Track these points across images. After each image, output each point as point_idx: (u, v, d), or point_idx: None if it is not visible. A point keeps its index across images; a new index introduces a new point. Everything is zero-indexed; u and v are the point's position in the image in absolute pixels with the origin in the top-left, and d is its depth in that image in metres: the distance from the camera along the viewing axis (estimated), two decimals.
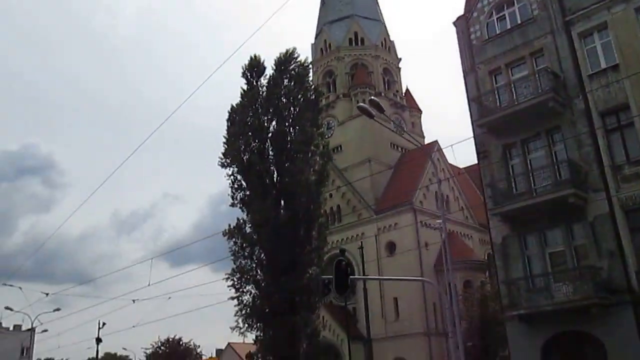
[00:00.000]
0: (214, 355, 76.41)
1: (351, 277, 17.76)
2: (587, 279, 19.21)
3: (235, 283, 31.58)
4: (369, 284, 41.73)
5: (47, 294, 39.62)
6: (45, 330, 52.51)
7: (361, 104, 18.88)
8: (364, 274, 36.27)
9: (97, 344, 49.72)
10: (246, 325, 31.32)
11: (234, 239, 32.25)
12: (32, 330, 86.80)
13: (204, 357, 66.35)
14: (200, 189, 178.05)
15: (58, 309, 46.73)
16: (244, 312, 31.09)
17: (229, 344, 69.75)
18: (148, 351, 64.01)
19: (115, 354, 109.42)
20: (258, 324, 30.59)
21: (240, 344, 69.44)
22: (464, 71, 24.86)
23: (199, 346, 65.93)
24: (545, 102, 20.69)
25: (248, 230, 32.03)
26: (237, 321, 31.78)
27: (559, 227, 20.81)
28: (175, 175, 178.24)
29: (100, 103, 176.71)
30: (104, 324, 49.91)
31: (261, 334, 30.83)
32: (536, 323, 20.15)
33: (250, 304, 31.03)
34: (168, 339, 64.08)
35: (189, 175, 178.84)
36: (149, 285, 28.77)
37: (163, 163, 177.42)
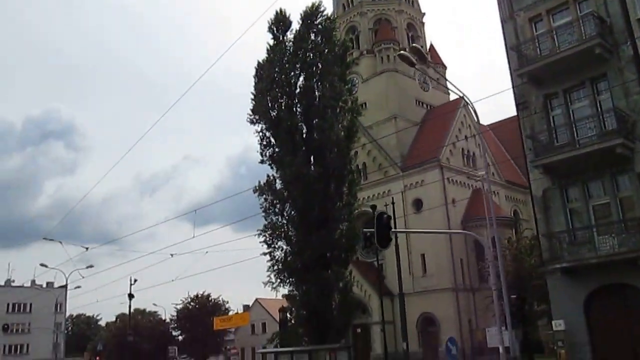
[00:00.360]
0: (241, 310, 77.66)
1: (393, 230, 17.48)
2: (633, 231, 18.73)
3: (267, 239, 31.58)
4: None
5: (87, 248, 40.30)
6: (79, 287, 53.70)
7: (402, 51, 18.25)
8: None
9: (130, 299, 50.60)
10: (278, 280, 31.39)
11: (264, 196, 32.13)
12: (65, 287, 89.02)
13: (231, 312, 67.30)
14: (220, 151, 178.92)
15: (91, 266, 47.49)
16: (275, 267, 31.14)
17: (256, 299, 70.67)
18: (178, 307, 65.19)
19: (144, 309, 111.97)
20: (290, 279, 30.65)
21: (268, 299, 70.44)
22: (501, 19, 23.98)
23: (227, 302, 66.99)
24: (591, 49, 19.86)
25: (278, 186, 31.85)
26: (269, 276, 31.81)
27: (603, 179, 20.26)
28: (195, 138, 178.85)
29: (122, 67, 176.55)
30: (135, 280, 50.71)
31: (293, 289, 30.94)
32: (579, 276, 19.82)
33: (282, 259, 31.04)
34: (197, 295, 65.11)
35: (209, 138, 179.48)
36: (193, 237, 29.32)
37: (184, 126, 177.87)
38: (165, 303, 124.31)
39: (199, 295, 65.17)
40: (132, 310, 52.26)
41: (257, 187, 32.24)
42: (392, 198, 44.01)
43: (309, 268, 29.66)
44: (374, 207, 32.75)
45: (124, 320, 60.56)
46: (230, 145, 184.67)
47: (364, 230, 19.30)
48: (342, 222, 30.79)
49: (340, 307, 29.72)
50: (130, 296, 50.99)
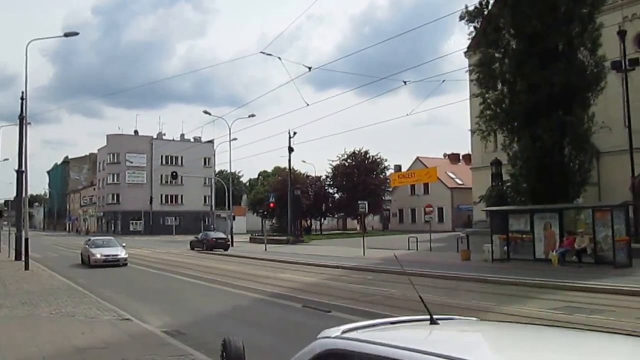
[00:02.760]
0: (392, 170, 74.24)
1: None
2: None
3: (481, 77, 25.95)
4: None
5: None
6: (235, 139, 51.44)
7: None
8: None
9: (290, 152, 47.74)
10: (489, 127, 26.21)
11: (474, 23, 26.01)
12: (211, 142, 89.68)
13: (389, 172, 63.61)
14: (343, 9, 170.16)
15: (253, 115, 44.49)
16: (488, 112, 25.67)
17: (417, 157, 66.55)
18: (333, 163, 62.32)
19: (284, 168, 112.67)
20: (509, 126, 25.12)
21: (430, 158, 66.26)
22: None
23: (386, 160, 63.06)
24: None
25: (493, 9, 25.44)
26: (478, 123, 26.94)
27: None
28: None
29: None
30: (294, 133, 47.41)
31: (511, 138, 25.52)
32: None
33: (497, 102, 25.42)
34: (354, 152, 61.63)
35: None
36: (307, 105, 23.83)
37: None
38: (315, 162, 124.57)
39: (356, 152, 61.49)
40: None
41: (465, 13, 26.03)
42: None
43: (532, 112, 23.78)
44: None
45: (282, 175, 58.63)
46: (353, 3, 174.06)
47: None
48: (581, 49, 24.13)
49: (579, 161, 24.01)
50: (290, 149, 48.10)
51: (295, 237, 43.98)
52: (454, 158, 70.33)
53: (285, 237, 44.03)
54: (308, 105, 29.02)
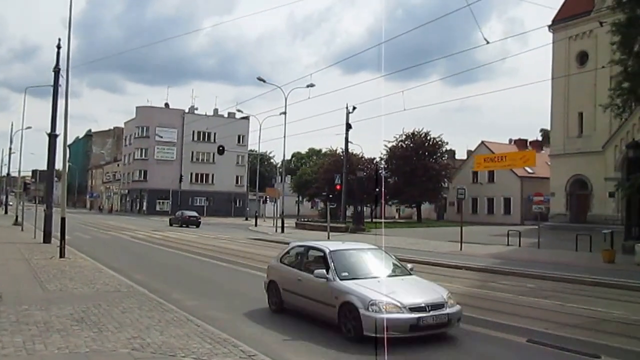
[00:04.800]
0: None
1: None
2: None
3: (622, 40, 20.94)
4: None
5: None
6: (284, 113, 45.76)
7: None
8: None
9: (347, 129, 42.37)
10: (627, 103, 21.46)
11: None
12: (247, 118, 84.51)
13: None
14: None
15: (312, 85, 38.68)
16: (624, 86, 20.82)
17: (482, 142, 60.78)
18: (389, 144, 56.48)
19: (320, 150, 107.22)
20: None
21: (495, 143, 60.61)
22: None
23: (447, 142, 57.15)
24: None
25: None
26: (611, 96, 23.34)
27: None
28: None
29: None
30: (354, 107, 41.96)
31: None
32: None
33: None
34: (413, 132, 55.77)
35: None
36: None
37: None
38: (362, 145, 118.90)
39: (416, 133, 55.55)
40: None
41: None
42: None
43: None
44: None
45: (335, 156, 53.23)
46: None
47: None
48: None
49: None
50: (348, 126, 42.64)
51: (356, 225, 38.60)
52: (521, 144, 64.19)
53: (343, 225, 38.68)
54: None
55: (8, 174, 66.46)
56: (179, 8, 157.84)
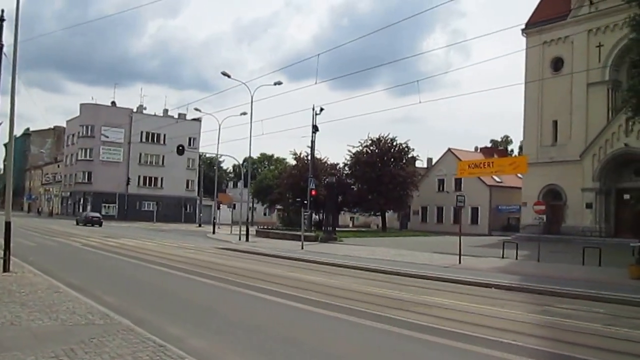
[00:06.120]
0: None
1: None
2: None
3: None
4: None
5: None
6: (244, 113, 42.56)
7: None
8: None
9: (314, 132, 39.81)
10: None
11: None
12: (198, 120, 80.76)
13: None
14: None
15: (279, 83, 36.19)
16: None
17: (449, 149, 59.10)
18: (353, 149, 53.84)
19: (272, 155, 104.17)
20: None
21: (463, 150, 59.12)
22: None
23: (413, 149, 54.94)
24: None
25: None
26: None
27: None
28: None
29: None
30: (321, 109, 39.60)
31: None
32: None
33: None
34: (379, 138, 53.35)
35: None
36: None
37: None
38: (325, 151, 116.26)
39: (382, 138, 53.13)
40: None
41: None
42: None
43: None
44: None
45: (300, 160, 50.19)
46: None
47: None
48: None
49: None
50: (315, 128, 40.02)
51: (328, 235, 35.75)
52: (487, 152, 62.92)
53: (313, 234, 35.77)
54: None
55: None
56: (121, 8, 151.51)
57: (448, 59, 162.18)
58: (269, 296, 12.62)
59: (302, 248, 29.71)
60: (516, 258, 24.83)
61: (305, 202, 30.84)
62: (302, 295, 12.80)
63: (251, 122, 35.73)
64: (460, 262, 22.40)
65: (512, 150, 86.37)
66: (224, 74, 36.26)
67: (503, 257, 25.36)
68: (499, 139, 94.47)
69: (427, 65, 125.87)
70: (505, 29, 78.76)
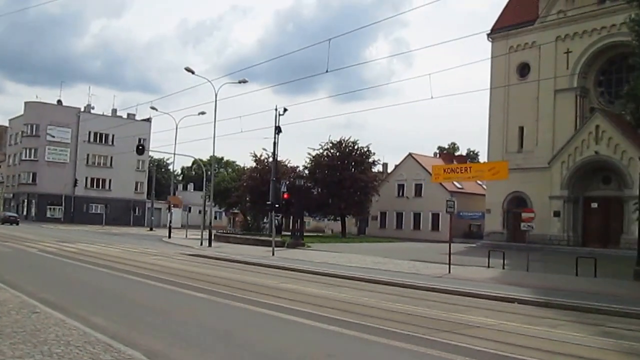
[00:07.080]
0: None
1: None
2: None
3: None
4: None
5: None
6: (203, 113, 40.71)
7: None
8: None
9: (277, 133, 38.35)
10: None
11: None
12: (148, 120, 77.82)
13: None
14: (269, 3, 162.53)
15: (245, 80, 34.65)
16: None
17: (409, 154, 58.42)
18: (313, 152, 52.42)
19: (222, 158, 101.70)
20: None
21: (424, 156, 58.55)
22: None
23: (374, 153, 53.89)
24: None
25: None
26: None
27: None
28: None
29: None
30: (285, 110, 38.23)
31: None
32: None
33: None
34: (340, 141, 52.11)
35: None
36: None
37: None
38: (289, 154, 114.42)
39: (343, 142, 51.87)
40: (273, 150, 39.83)
41: None
42: None
43: None
44: None
45: (260, 163, 48.44)
46: None
47: None
48: None
49: None
50: (278, 129, 38.48)
51: (295, 240, 34.22)
52: (447, 157, 62.54)
53: (279, 239, 34.19)
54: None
55: None
56: (66, 7, 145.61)
57: (391, 66, 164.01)
58: (293, 317, 10.82)
59: (273, 254, 28.17)
60: (503, 267, 24.02)
61: (276, 205, 29.15)
62: (326, 314, 11.07)
63: (215, 121, 34.24)
64: (450, 272, 21.34)
65: (467, 155, 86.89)
66: (188, 69, 34.57)
67: (489, 267, 24.50)
68: (447, 146, 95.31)
69: (371, 72, 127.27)
70: (467, 36, 78.80)
